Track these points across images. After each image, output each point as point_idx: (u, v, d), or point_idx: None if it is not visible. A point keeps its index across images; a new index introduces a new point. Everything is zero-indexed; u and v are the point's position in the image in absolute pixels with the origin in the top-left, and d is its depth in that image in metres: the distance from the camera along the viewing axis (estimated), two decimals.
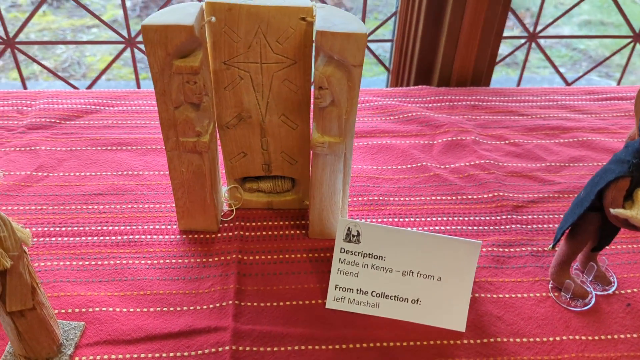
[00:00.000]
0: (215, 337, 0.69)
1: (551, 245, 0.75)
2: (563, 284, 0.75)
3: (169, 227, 0.83)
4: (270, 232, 0.84)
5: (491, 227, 0.85)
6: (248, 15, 0.66)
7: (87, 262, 0.78)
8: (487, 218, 0.87)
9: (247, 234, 0.83)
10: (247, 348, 0.68)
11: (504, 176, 0.95)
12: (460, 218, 0.87)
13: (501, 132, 1.05)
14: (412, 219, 0.87)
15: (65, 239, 0.81)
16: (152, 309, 0.72)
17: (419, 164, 0.96)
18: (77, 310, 0.71)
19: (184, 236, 0.82)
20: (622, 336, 0.71)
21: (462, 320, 0.71)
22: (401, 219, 0.86)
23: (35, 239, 0.80)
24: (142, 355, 0.66)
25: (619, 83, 1.40)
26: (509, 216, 0.87)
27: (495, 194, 0.90)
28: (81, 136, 1.00)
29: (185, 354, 0.67)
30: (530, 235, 0.84)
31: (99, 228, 0.83)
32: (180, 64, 0.64)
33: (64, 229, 0.82)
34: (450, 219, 0.87)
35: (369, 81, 2.16)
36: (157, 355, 0.66)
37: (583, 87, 1.19)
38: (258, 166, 0.82)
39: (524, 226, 0.85)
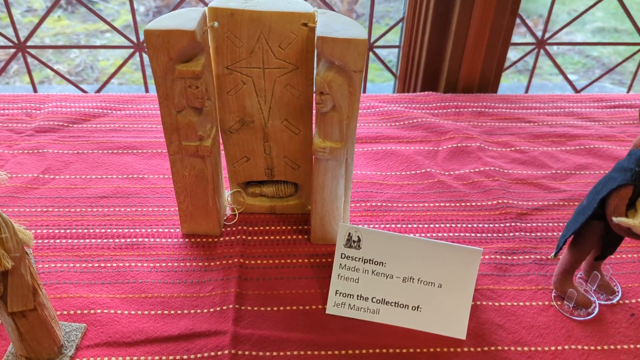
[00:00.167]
0: (214, 341, 0.69)
1: (553, 254, 0.74)
2: (566, 292, 0.74)
3: (172, 230, 0.84)
4: (272, 237, 0.84)
5: (494, 235, 0.85)
6: (250, 21, 0.67)
7: (90, 264, 0.78)
8: (491, 225, 0.86)
9: (249, 238, 0.83)
10: (247, 352, 0.68)
11: (509, 183, 0.94)
12: (464, 225, 0.86)
13: (507, 139, 1.05)
14: (415, 225, 0.86)
15: (70, 241, 0.82)
16: (153, 312, 0.72)
17: (423, 170, 0.96)
18: (79, 312, 0.72)
19: (187, 240, 0.83)
20: (625, 347, 0.70)
21: (463, 328, 0.71)
22: (404, 225, 0.86)
23: (40, 241, 0.81)
24: (142, 358, 0.67)
25: (629, 90, 1.39)
26: (512, 224, 0.86)
27: (500, 201, 0.90)
28: (88, 139, 1.01)
29: (185, 357, 0.67)
30: (533, 243, 0.83)
31: (103, 231, 0.83)
32: (182, 69, 0.65)
33: (68, 231, 0.83)
34: (453, 225, 0.86)
35: (380, 87, 2.16)
36: (156, 357, 0.67)
37: (591, 95, 1.18)
38: (261, 171, 0.82)
39: (527, 234, 0.85)
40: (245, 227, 0.85)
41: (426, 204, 0.90)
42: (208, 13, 0.67)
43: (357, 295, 0.73)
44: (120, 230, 0.84)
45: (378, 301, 0.73)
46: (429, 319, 0.72)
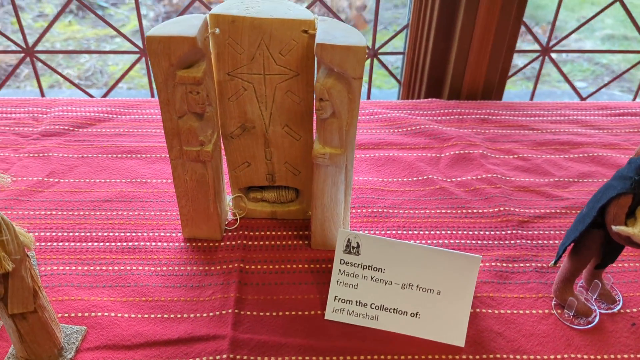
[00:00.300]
0: (213, 345, 0.69)
1: (553, 262, 0.74)
2: (566, 301, 0.74)
3: (173, 234, 0.84)
4: (273, 242, 0.84)
5: (495, 242, 0.85)
6: (251, 28, 0.67)
7: (92, 268, 0.79)
8: (492, 232, 0.86)
9: (250, 243, 0.84)
10: (245, 357, 0.68)
11: (511, 191, 0.94)
12: (465, 232, 0.86)
13: (510, 146, 1.04)
14: (415, 232, 0.86)
15: (72, 244, 0.82)
16: (153, 316, 0.73)
17: (425, 177, 0.96)
18: (79, 314, 0.72)
19: (188, 244, 0.83)
20: (625, 356, 0.69)
21: (462, 335, 0.71)
22: (405, 232, 0.86)
23: (42, 244, 0.82)
24: None
25: (635, 98, 1.38)
26: (514, 231, 0.86)
27: (501, 208, 0.90)
28: (93, 143, 1.02)
29: None
30: (535, 251, 0.83)
31: (106, 234, 0.84)
32: (183, 74, 0.66)
33: (71, 234, 0.84)
34: (454, 232, 0.86)
35: (387, 93, 2.16)
36: None
37: (596, 102, 1.18)
38: (262, 176, 0.83)
39: (528, 242, 0.85)
40: (246, 232, 0.85)
41: (427, 211, 0.90)
42: (209, 20, 0.68)
43: (356, 301, 0.73)
44: (123, 234, 0.84)
45: (377, 307, 0.73)
46: (427, 325, 0.72)
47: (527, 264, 0.81)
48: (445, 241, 0.85)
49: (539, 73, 1.29)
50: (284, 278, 0.79)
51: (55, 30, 3.05)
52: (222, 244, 0.83)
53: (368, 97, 1.34)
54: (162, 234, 0.84)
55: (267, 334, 0.71)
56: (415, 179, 0.96)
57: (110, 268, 0.79)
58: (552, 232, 0.86)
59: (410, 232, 0.86)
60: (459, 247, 0.84)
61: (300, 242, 0.84)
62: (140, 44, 1.21)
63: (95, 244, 0.83)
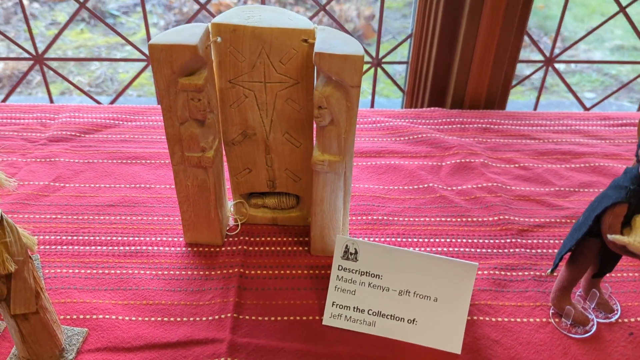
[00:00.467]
0: (211, 349, 0.70)
1: (550, 270, 0.74)
2: (564, 309, 0.74)
3: (175, 239, 0.86)
4: (273, 248, 0.85)
5: (494, 250, 0.85)
6: (252, 36, 0.69)
7: (94, 271, 0.80)
8: (491, 241, 0.87)
9: (250, 248, 0.85)
10: None
11: (511, 199, 0.94)
12: (464, 240, 0.87)
13: (511, 155, 1.05)
14: (415, 240, 0.87)
15: (76, 247, 0.84)
16: (153, 319, 0.74)
17: (425, 185, 0.97)
18: (81, 316, 0.74)
19: (189, 249, 0.84)
20: None
21: (458, 343, 0.71)
22: (404, 239, 0.87)
23: (47, 247, 0.84)
24: None
25: (639, 109, 1.38)
26: (513, 240, 0.86)
27: (501, 217, 0.90)
28: (99, 149, 1.03)
29: None
30: (533, 260, 0.83)
31: (109, 238, 0.85)
32: (185, 82, 0.67)
33: (75, 238, 0.85)
34: (453, 240, 0.87)
35: (395, 102, 2.17)
36: None
37: (599, 113, 1.18)
38: (263, 182, 0.84)
39: (527, 250, 0.85)
40: (247, 238, 0.86)
41: (427, 219, 0.91)
42: (211, 28, 0.69)
43: (354, 307, 0.74)
44: (126, 238, 0.85)
45: (374, 313, 0.73)
46: (424, 332, 0.72)
47: (526, 273, 0.81)
48: (445, 249, 0.85)
49: (542, 83, 1.30)
50: (283, 283, 0.80)
51: (67, 38, 3.09)
52: (223, 249, 0.84)
53: (372, 106, 1.35)
54: (164, 239, 0.86)
55: (265, 338, 0.72)
56: (416, 187, 0.97)
57: (113, 271, 0.80)
58: (551, 241, 0.86)
59: (409, 240, 0.87)
60: (458, 255, 0.84)
61: (300, 248, 0.85)
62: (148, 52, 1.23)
63: (99, 247, 0.84)
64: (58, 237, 0.85)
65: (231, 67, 0.72)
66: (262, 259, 0.83)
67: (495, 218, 0.90)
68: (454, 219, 0.90)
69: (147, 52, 1.24)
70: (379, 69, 1.27)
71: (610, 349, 0.71)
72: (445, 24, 1.13)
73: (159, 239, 0.86)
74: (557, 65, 2.97)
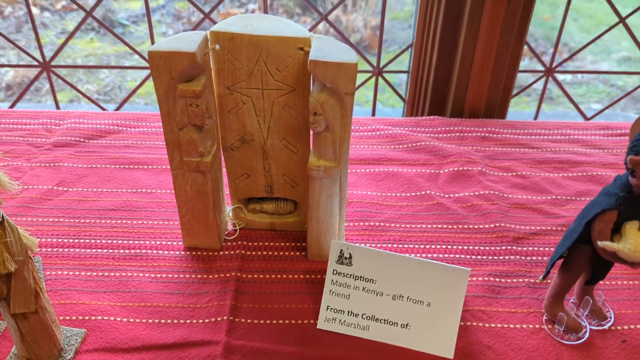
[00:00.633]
0: (207, 350, 0.71)
1: (541, 277, 0.75)
2: (556, 316, 0.75)
3: (174, 243, 0.87)
4: (270, 253, 0.86)
5: (490, 257, 0.86)
6: (249, 44, 0.70)
7: (94, 273, 0.82)
8: (487, 248, 0.87)
9: (248, 253, 0.86)
10: None
11: (508, 207, 0.95)
12: (460, 247, 0.88)
13: (509, 164, 1.06)
14: (411, 246, 0.88)
15: (78, 250, 0.85)
16: (150, 320, 0.75)
17: (423, 192, 0.98)
18: (80, 317, 0.75)
19: (188, 252, 0.86)
20: None
21: (451, 347, 0.72)
22: (401, 245, 0.88)
23: (49, 249, 0.85)
24: None
25: None
26: (508, 247, 0.87)
27: (497, 224, 0.91)
28: (102, 154, 1.05)
29: None
30: (528, 267, 0.84)
31: (110, 241, 0.87)
32: (183, 88, 0.69)
33: (77, 241, 0.87)
34: (449, 247, 0.88)
35: (400, 112, 2.18)
36: None
37: (598, 122, 1.19)
38: (261, 187, 0.85)
39: (522, 257, 0.85)
40: (245, 242, 0.87)
41: (424, 225, 0.91)
42: (210, 36, 0.71)
43: (348, 311, 0.75)
44: (126, 242, 0.87)
45: (368, 318, 0.74)
46: (417, 337, 0.73)
47: (520, 280, 0.82)
48: (440, 255, 0.86)
49: (542, 93, 1.30)
50: (280, 288, 0.81)
51: (77, 47, 3.14)
52: (221, 253, 0.86)
53: (373, 114, 1.36)
54: (164, 243, 0.87)
55: (260, 341, 0.73)
56: (413, 194, 0.98)
57: (112, 274, 0.82)
58: (546, 249, 0.87)
59: (406, 246, 0.88)
60: (454, 262, 0.85)
61: (297, 253, 0.86)
62: None
63: (99, 250, 0.85)
64: (60, 240, 0.87)
65: (229, 74, 0.73)
66: (260, 263, 0.84)
67: (491, 225, 0.91)
68: (450, 226, 0.91)
69: None
70: (380, 79, 1.28)
71: (602, 356, 0.72)
72: (445, 34, 1.14)
73: (158, 242, 0.87)
74: (562, 77, 2.98)
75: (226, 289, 0.80)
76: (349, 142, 0.73)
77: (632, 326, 0.76)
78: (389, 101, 2.50)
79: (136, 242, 0.87)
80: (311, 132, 0.76)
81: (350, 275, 0.74)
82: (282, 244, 0.88)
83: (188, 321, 0.75)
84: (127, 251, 0.85)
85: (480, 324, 0.76)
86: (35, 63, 1.25)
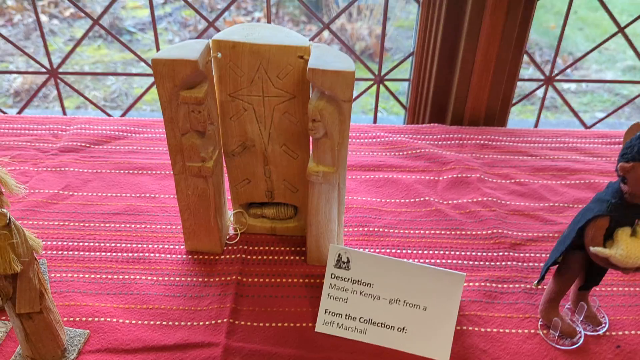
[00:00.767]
0: (207, 352, 0.73)
1: (536, 282, 0.76)
2: (551, 321, 0.76)
3: (176, 247, 0.89)
4: (271, 257, 0.88)
5: (487, 263, 0.87)
6: (250, 53, 0.72)
7: (98, 276, 0.83)
8: (484, 254, 0.88)
9: (248, 257, 0.87)
10: None
11: (505, 214, 0.96)
12: (457, 252, 0.89)
13: (508, 171, 1.07)
14: (409, 251, 0.89)
15: (82, 253, 0.87)
16: (152, 322, 0.77)
17: (422, 199, 0.99)
18: (84, 319, 0.77)
19: (190, 256, 0.87)
20: None
21: (446, 351, 0.73)
22: (399, 251, 0.89)
23: (54, 252, 0.87)
24: None
25: None
26: (505, 253, 0.88)
27: (494, 231, 0.92)
28: (107, 160, 1.07)
29: None
30: (525, 273, 0.85)
31: (113, 245, 0.89)
32: (186, 95, 0.71)
33: (81, 244, 0.89)
34: (447, 252, 0.89)
35: (402, 119, 2.20)
36: None
37: (597, 131, 1.20)
38: (261, 193, 0.87)
39: (519, 263, 0.87)
40: (245, 247, 0.89)
41: (422, 231, 0.93)
42: (212, 45, 0.73)
43: (346, 315, 0.76)
44: (129, 245, 0.89)
45: (365, 321, 0.75)
46: (413, 340, 0.74)
47: (516, 285, 0.83)
48: (438, 260, 0.87)
49: (542, 101, 1.32)
50: (279, 291, 0.82)
51: (84, 54, 3.17)
52: (222, 257, 0.87)
53: (374, 122, 1.38)
54: (166, 246, 0.89)
55: (259, 343, 0.74)
56: (412, 200, 0.99)
57: (116, 277, 0.83)
58: (543, 255, 0.88)
59: (404, 251, 0.89)
60: (451, 267, 0.86)
61: (297, 257, 0.88)
62: None
63: (103, 253, 0.87)
64: (65, 243, 0.89)
65: (231, 82, 0.75)
66: (260, 267, 0.86)
67: (489, 232, 0.92)
68: (448, 232, 0.93)
69: None
70: (382, 87, 1.30)
71: None
72: (445, 43, 1.16)
73: (161, 246, 0.89)
74: (567, 85, 2.99)
75: (226, 292, 0.81)
76: (347, 148, 0.75)
77: (626, 332, 0.77)
78: (393, 109, 2.52)
79: (139, 245, 0.89)
80: (311, 138, 0.78)
81: (348, 279, 0.76)
82: (283, 248, 0.89)
83: (189, 323, 0.77)
84: (130, 254, 0.87)
85: (476, 329, 0.77)
86: (43, 70, 1.27)
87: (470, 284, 0.83)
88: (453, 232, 0.92)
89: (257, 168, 0.84)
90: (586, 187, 1.03)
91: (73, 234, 0.91)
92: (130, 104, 1.33)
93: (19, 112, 1.34)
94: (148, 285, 0.82)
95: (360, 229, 0.93)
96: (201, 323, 0.77)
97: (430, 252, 0.89)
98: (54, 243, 0.89)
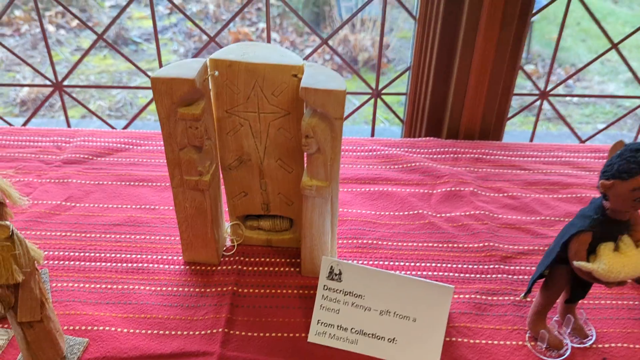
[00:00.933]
0: None
1: (522, 295, 0.78)
2: (538, 333, 0.77)
3: (174, 258, 0.91)
4: (266, 268, 0.90)
5: (477, 275, 0.89)
6: (246, 71, 0.75)
7: (98, 285, 0.86)
8: (475, 266, 0.90)
9: (245, 268, 0.89)
10: None
11: (497, 227, 0.98)
12: (449, 265, 0.91)
13: (501, 185, 1.09)
14: (402, 264, 0.91)
15: (83, 263, 0.90)
16: (149, 331, 0.79)
17: (415, 212, 1.01)
18: (83, 327, 0.79)
19: (187, 267, 0.89)
20: None
21: None
22: (392, 263, 0.91)
23: (56, 262, 0.89)
24: None
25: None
26: (496, 266, 0.90)
27: (486, 243, 0.94)
28: (109, 172, 1.10)
29: None
30: (514, 285, 0.87)
31: (113, 255, 0.91)
32: (183, 111, 0.73)
33: (82, 254, 0.91)
34: (439, 265, 0.91)
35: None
36: None
37: (590, 145, 1.22)
38: (258, 205, 0.89)
39: (509, 276, 0.88)
40: (242, 258, 0.91)
41: (415, 244, 0.95)
42: (209, 64, 0.75)
43: (337, 326, 0.78)
44: (129, 256, 0.91)
45: (356, 332, 0.77)
46: (403, 351, 0.76)
47: (506, 298, 0.85)
48: (430, 273, 0.89)
49: (537, 116, 1.34)
50: (274, 302, 0.84)
51: (90, 64, 3.22)
52: (219, 268, 0.89)
53: (372, 135, 1.40)
54: (165, 257, 0.91)
55: (253, 352, 0.76)
56: (406, 213, 1.01)
57: (115, 286, 0.86)
58: (532, 268, 0.90)
59: (397, 264, 0.91)
60: (442, 279, 0.88)
61: (292, 269, 0.90)
62: None
63: (103, 264, 0.90)
64: (66, 253, 0.91)
65: (227, 98, 0.78)
66: (256, 278, 0.88)
67: (480, 245, 0.94)
68: (440, 245, 0.95)
69: None
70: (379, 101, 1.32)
71: None
72: (440, 58, 1.18)
73: (159, 257, 0.91)
74: (568, 97, 3.01)
75: (222, 302, 0.83)
76: (340, 164, 0.77)
77: (613, 344, 0.78)
78: (395, 120, 2.54)
79: (138, 256, 0.91)
80: (305, 153, 0.80)
81: (340, 290, 0.78)
82: (278, 260, 0.91)
83: (185, 333, 0.79)
84: (129, 265, 0.90)
85: (466, 340, 0.79)
86: (48, 83, 1.30)
87: (461, 296, 0.85)
88: (445, 245, 0.94)
89: (254, 181, 0.86)
90: (577, 201, 1.05)
91: (74, 244, 0.93)
92: (135, 115, 1.36)
93: (25, 124, 1.37)
94: (146, 295, 0.84)
95: (355, 241, 0.95)
96: (197, 332, 0.79)
97: (423, 264, 0.91)
98: (56, 253, 0.91)
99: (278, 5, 3.43)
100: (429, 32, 1.18)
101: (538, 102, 1.32)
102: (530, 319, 0.79)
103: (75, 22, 3.42)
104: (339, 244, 0.94)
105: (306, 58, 1.21)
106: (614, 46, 1.27)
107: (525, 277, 0.88)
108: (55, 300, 0.83)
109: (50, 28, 3.41)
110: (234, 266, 0.89)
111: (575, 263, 0.67)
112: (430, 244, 0.95)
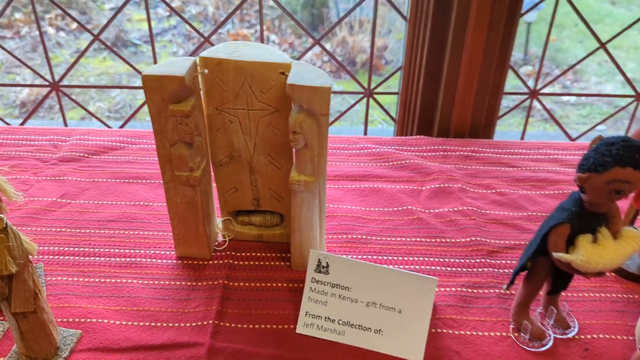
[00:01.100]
0: (192, 351, 0.76)
1: (505, 286, 0.80)
2: (522, 324, 0.79)
3: (167, 252, 0.93)
4: (257, 262, 0.92)
5: (464, 269, 0.91)
6: (235, 69, 0.77)
7: (92, 279, 0.88)
8: (462, 260, 0.92)
9: (236, 262, 0.91)
10: None
11: (484, 223, 1.00)
12: (436, 259, 0.93)
13: (489, 181, 1.11)
14: (391, 258, 0.93)
15: (77, 258, 0.92)
16: (141, 323, 0.81)
17: (404, 207, 1.03)
18: (76, 320, 0.81)
19: (179, 261, 0.91)
20: None
21: (420, 352, 0.76)
22: (381, 257, 0.93)
23: (51, 257, 0.91)
24: None
25: None
26: (482, 260, 0.92)
27: (473, 238, 0.96)
28: (104, 169, 1.12)
29: None
30: (500, 279, 0.89)
31: (107, 250, 0.93)
32: (174, 108, 0.75)
33: (77, 249, 0.93)
34: (426, 259, 0.93)
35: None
36: None
37: (578, 143, 1.24)
38: (248, 201, 0.91)
39: (495, 270, 0.90)
40: (233, 253, 0.93)
41: (403, 239, 0.97)
42: (199, 62, 0.77)
43: (325, 317, 0.80)
44: (122, 251, 0.93)
45: (344, 323, 0.79)
46: (389, 342, 0.78)
47: (491, 290, 0.87)
48: (418, 267, 0.91)
49: (527, 115, 1.36)
50: (264, 295, 0.86)
51: (90, 66, 3.24)
52: (211, 262, 0.91)
53: (365, 133, 1.42)
54: (157, 252, 0.93)
55: (242, 343, 0.78)
56: (395, 209, 1.03)
57: (109, 280, 0.88)
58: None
59: (385, 258, 0.93)
60: (429, 273, 0.90)
61: (282, 263, 0.92)
62: None
63: (97, 258, 0.91)
64: (61, 248, 0.93)
65: (217, 96, 0.80)
66: (246, 272, 0.90)
67: (467, 239, 0.96)
68: (428, 240, 0.96)
69: None
70: (371, 100, 1.34)
71: None
72: (431, 57, 1.20)
73: (152, 252, 0.93)
74: (566, 97, 3.03)
75: (213, 295, 0.85)
76: (326, 159, 0.79)
77: (594, 335, 0.80)
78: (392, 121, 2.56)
79: (132, 251, 0.93)
80: (293, 149, 0.82)
81: (327, 283, 0.80)
82: (269, 254, 0.93)
83: (176, 324, 0.81)
84: (123, 259, 0.91)
85: (451, 331, 0.80)
86: (46, 83, 1.33)
87: (447, 288, 0.87)
88: (433, 240, 0.96)
89: (244, 177, 0.88)
90: (564, 197, 1.06)
91: (69, 239, 0.95)
92: (128, 117, 1.38)
93: (22, 124, 1.39)
94: (139, 289, 0.86)
95: (344, 236, 0.97)
96: (188, 324, 0.81)
97: (411, 258, 0.93)
98: (51, 248, 0.93)
99: (277, 7, 3.45)
100: (419, 33, 1.20)
101: (529, 102, 1.34)
102: (513, 310, 0.80)
103: (75, 25, 3.45)
104: (329, 238, 0.96)
105: (299, 58, 1.23)
106: (602, 45, 1.29)
107: (511, 270, 0.90)
108: (49, 293, 0.85)
109: (50, 30, 3.43)
110: (225, 260, 0.91)
111: (555, 254, 0.69)
112: (418, 239, 0.96)
